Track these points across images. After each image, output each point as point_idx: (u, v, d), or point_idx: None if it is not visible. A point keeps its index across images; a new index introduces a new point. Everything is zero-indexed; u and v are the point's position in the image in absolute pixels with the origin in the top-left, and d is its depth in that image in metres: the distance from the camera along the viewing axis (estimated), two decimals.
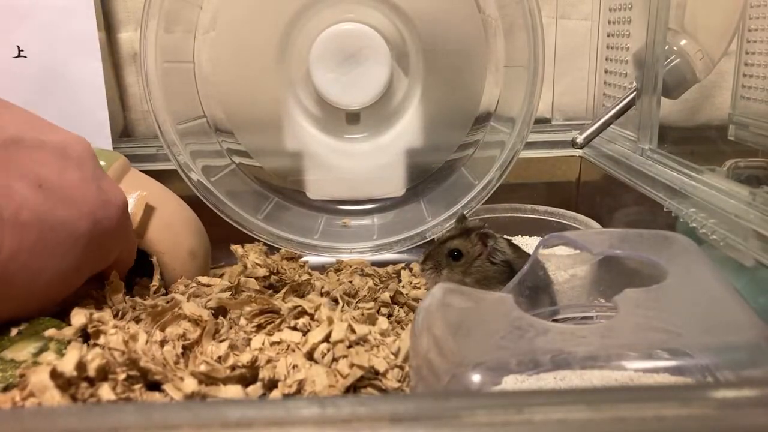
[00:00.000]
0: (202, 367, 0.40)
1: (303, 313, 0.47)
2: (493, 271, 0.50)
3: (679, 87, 0.66)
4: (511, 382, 0.32)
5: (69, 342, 0.42)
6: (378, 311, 0.51)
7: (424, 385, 0.34)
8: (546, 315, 0.45)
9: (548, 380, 0.32)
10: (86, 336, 0.42)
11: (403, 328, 0.49)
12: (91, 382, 0.37)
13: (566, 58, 0.79)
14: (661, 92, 0.63)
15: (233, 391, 0.39)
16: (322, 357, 0.41)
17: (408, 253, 0.63)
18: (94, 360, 0.37)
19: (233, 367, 0.40)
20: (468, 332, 0.36)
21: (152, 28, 0.56)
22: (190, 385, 0.38)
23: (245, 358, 0.41)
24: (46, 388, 0.35)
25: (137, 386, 0.39)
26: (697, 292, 0.38)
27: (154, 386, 0.40)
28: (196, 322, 0.45)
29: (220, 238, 0.59)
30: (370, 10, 0.60)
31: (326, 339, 0.42)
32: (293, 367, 0.40)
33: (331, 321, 0.44)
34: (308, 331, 0.44)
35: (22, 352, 0.41)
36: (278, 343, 0.43)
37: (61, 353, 0.41)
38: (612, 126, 0.67)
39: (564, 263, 0.49)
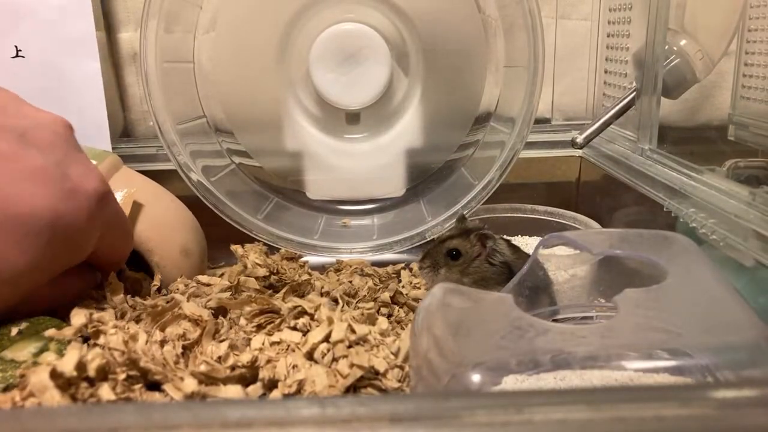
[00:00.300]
0: (202, 367, 0.40)
1: (303, 313, 0.47)
2: (491, 272, 0.50)
3: (679, 87, 0.66)
4: (511, 382, 0.32)
5: (69, 342, 0.42)
6: (378, 311, 0.51)
7: (424, 385, 0.34)
8: (546, 315, 0.45)
9: (548, 380, 0.32)
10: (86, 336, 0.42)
11: (403, 328, 0.49)
12: (91, 382, 0.37)
13: (566, 58, 0.79)
14: (661, 92, 0.63)
15: (233, 391, 0.39)
16: (322, 357, 0.41)
17: (408, 253, 0.63)
18: (94, 360, 0.37)
19: (233, 367, 0.40)
20: (468, 332, 0.36)
21: (152, 28, 0.56)
22: (190, 385, 0.38)
23: (245, 358, 0.41)
24: (46, 388, 0.35)
25: (137, 386, 0.39)
26: (697, 292, 0.38)
27: (154, 386, 0.40)
28: (196, 322, 0.45)
29: (220, 238, 0.59)
30: (370, 10, 0.60)
31: (326, 339, 0.42)
32: (293, 367, 0.40)
33: (331, 321, 0.44)
34: (308, 331, 0.44)
35: (22, 352, 0.41)
36: (278, 343, 0.43)
37: (61, 353, 0.41)
38: (612, 126, 0.67)
39: (564, 263, 0.49)
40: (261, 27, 0.60)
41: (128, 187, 0.53)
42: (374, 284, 0.56)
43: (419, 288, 0.57)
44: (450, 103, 0.64)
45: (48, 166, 0.41)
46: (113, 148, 0.70)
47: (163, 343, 0.42)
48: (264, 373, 0.40)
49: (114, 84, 0.76)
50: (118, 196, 0.52)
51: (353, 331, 0.43)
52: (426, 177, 0.65)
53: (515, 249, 0.52)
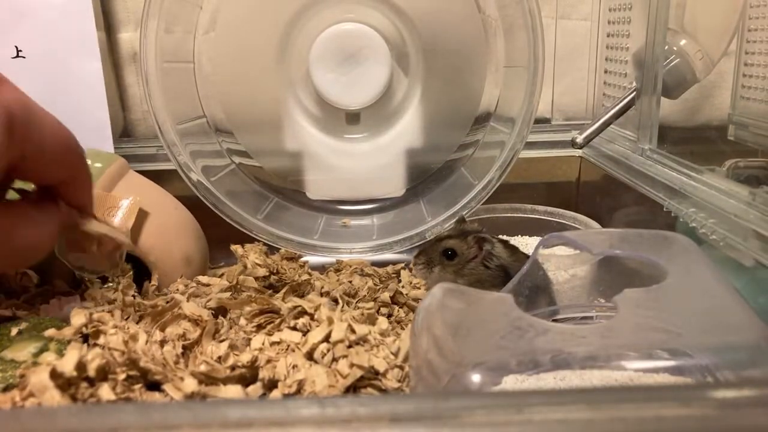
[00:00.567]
0: (202, 367, 0.40)
1: (303, 313, 0.47)
2: (486, 275, 0.50)
3: (678, 87, 0.66)
4: (511, 382, 0.32)
5: (69, 342, 0.42)
6: (378, 311, 0.51)
7: (424, 385, 0.34)
8: (546, 315, 0.45)
9: (548, 380, 0.32)
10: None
11: (403, 328, 0.49)
12: (91, 382, 0.37)
13: (566, 58, 0.79)
14: (661, 92, 0.63)
15: (233, 391, 0.39)
16: (322, 357, 0.41)
17: (408, 253, 0.62)
18: (94, 360, 0.37)
19: (233, 367, 0.40)
20: (468, 332, 0.36)
21: (152, 28, 0.56)
22: (190, 385, 0.38)
23: (245, 358, 0.41)
24: (46, 388, 0.35)
25: (137, 386, 0.39)
26: (697, 292, 0.38)
27: (154, 386, 0.40)
28: (196, 322, 0.45)
29: (220, 238, 0.59)
30: (370, 10, 0.60)
31: (326, 339, 0.42)
32: (293, 367, 0.40)
33: (331, 321, 0.44)
34: (308, 331, 0.44)
35: (22, 352, 0.41)
36: (278, 343, 0.43)
37: (61, 353, 0.41)
38: (612, 126, 0.67)
39: (564, 263, 0.49)
40: (261, 27, 0.60)
41: (134, 194, 0.53)
42: (374, 284, 0.56)
43: (419, 288, 0.57)
44: (450, 103, 0.64)
45: None
46: (114, 148, 0.70)
47: (163, 343, 0.42)
48: (264, 373, 0.40)
49: (114, 84, 0.76)
50: (125, 203, 0.52)
51: (353, 331, 0.43)
52: (426, 177, 0.65)
53: (513, 251, 0.52)
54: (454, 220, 0.58)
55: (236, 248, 0.58)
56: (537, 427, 0.23)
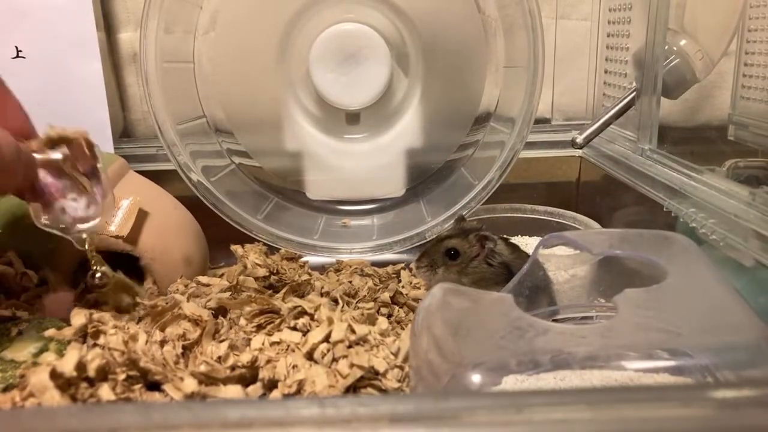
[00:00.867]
0: (202, 367, 0.40)
1: (303, 313, 0.47)
2: (489, 272, 0.50)
3: (678, 87, 0.66)
4: (511, 382, 0.32)
5: (69, 342, 0.42)
6: (378, 311, 0.51)
7: (424, 385, 0.34)
8: (546, 315, 0.45)
9: (548, 380, 0.32)
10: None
11: (403, 328, 0.49)
12: (91, 382, 0.37)
13: (566, 58, 0.79)
14: (661, 92, 0.63)
15: (233, 391, 0.39)
16: (322, 357, 0.41)
17: (408, 253, 0.63)
18: (94, 360, 0.37)
19: (233, 367, 0.40)
20: (468, 332, 0.36)
21: (152, 29, 0.56)
22: (190, 385, 0.38)
23: (245, 358, 0.41)
24: (46, 389, 0.35)
25: (137, 386, 0.39)
26: (697, 292, 0.38)
27: (154, 386, 0.40)
28: (196, 322, 0.45)
29: (220, 238, 0.59)
30: (370, 10, 0.60)
31: (326, 339, 0.42)
32: (293, 367, 0.40)
33: (331, 321, 0.44)
34: (308, 331, 0.44)
35: (22, 352, 0.41)
36: (278, 343, 0.43)
37: (61, 353, 0.41)
38: (612, 126, 0.67)
39: (564, 263, 0.49)
40: (261, 27, 0.60)
41: (134, 194, 0.53)
42: (374, 284, 0.56)
43: (419, 288, 0.57)
44: (450, 103, 0.64)
45: None
46: (114, 149, 0.70)
47: (163, 343, 0.42)
48: (264, 373, 0.40)
49: (114, 84, 0.76)
50: (125, 204, 0.52)
51: (353, 331, 0.43)
52: (426, 177, 0.65)
53: (514, 249, 0.52)
54: (454, 220, 0.58)
55: (236, 248, 0.58)
56: (537, 427, 0.23)
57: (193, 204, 0.59)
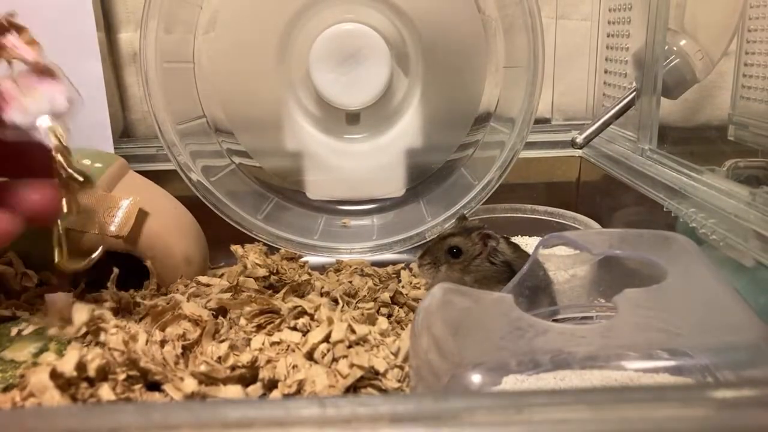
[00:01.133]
0: (202, 368, 0.40)
1: (303, 313, 0.47)
2: (492, 271, 0.50)
3: (678, 87, 0.66)
4: (511, 382, 0.32)
5: (69, 342, 0.42)
6: (378, 311, 0.51)
7: (424, 385, 0.34)
8: (546, 315, 0.45)
9: (548, 380, 0.32)
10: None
11: (403, 328, 0.49)
12: (91, 382, 0.37)
13: (566, 58, 0.79)
14: (661, 92, 0.63)
15: (233, 391, 0.39)
16: (322, 357, 0.41)
17: (408, 253, 0.63)
18: (94, 360, 0.37)
19: (233, 367, 0.41)
20: (468, 332, 0.36)
21: (152, 29, 0.56)
22: (190, 385, 0.38)
23: (245, 358, 0.41)
24: (46, 389, 0.35)
25: (137, 386, 0.39)
26: (697, 292, 0.38)
27: (154, 386, 0.40)
28: (196, 322, 0.45)
29: (220, 238, 0.59)
30: (370, 11, 0.60)
31: (326, 339, 0.42)
32: (293, 367, 0.40)
33: (331, 321, 0.44)
34: (308, 331, 0.44)
35: (22, 352, 0.41)
36: (278, 343, 0.43)
37: (61, 353, 0.41)
38: (612, 126, 0.67)
39: (564, 263, 0.49)
40: (261, 27, 0.60)
41: (134, 194, 0.53)
42: (374, 284, 0.56)
43: (419, 288, 0.57)
44: (450, 103, 0.64)
45: None
46: (114, 149, 0.70)
47: (163, 343, 0.42)
48: (264, 373, 0.40)
49: (114, 84, 0.76)
50: (125, 204, 0.52)
51: (353, 331, 0.43)
52: (426, 177, 0.65)
53: (516, 248, 0.52)
54: (455, 219, 0.58)
55: (236, 248, 0.58)
56: (537, 427, 0.23)
57: (193, 204, 0.59)
